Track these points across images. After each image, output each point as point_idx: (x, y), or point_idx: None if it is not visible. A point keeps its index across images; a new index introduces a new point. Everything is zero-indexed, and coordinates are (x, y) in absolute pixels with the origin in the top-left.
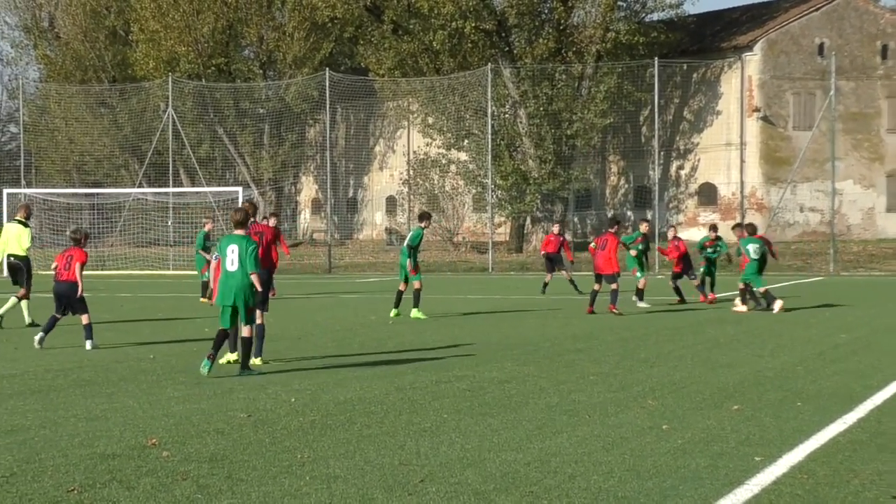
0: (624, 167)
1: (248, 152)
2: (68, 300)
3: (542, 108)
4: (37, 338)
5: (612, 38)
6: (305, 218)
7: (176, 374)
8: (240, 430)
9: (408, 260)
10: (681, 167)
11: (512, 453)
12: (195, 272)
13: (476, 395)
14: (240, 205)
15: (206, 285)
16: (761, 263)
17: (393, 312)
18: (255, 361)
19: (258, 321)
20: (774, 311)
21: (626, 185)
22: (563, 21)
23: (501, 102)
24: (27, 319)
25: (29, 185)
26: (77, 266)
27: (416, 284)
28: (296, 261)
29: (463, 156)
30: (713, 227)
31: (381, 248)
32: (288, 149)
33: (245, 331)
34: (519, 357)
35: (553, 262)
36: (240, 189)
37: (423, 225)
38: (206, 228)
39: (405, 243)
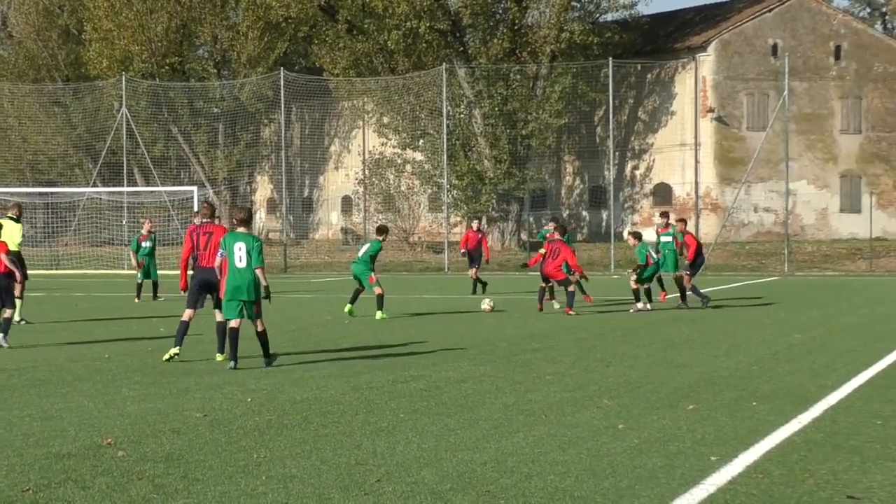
0: (579, 167)
1: (202, 152)
2: None
3: (496, 108)
4: None
5: (567, 39)
6: (261, 217)
7: (131, 373)
8: (196, 429)
9: (368, 271)
10: (636, 167)
11: (468, 453)
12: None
13: (433, 395)
14: (196, 205)
15: (140, 286)
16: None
17: (347, 308)
18: (218, 357)
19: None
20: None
21: (582, 185)
22: (517, 21)
23: (456, 102)
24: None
25: None
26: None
27: (378, 290)
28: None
29: (418, 156)
30: (664, 214)
31: (336, 247)
32: (243, 148)
33: (258, 325)
34: (475, 357)
35: (472, 259)
36: (195, 188)
37: (381, 238)
38: (145, 229)
39: (361, 254)
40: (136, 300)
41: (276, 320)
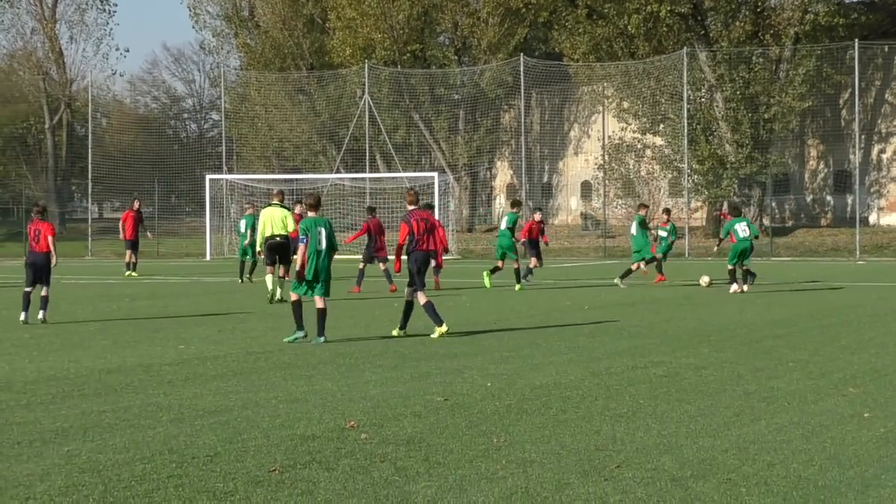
0: (823, 151)
1: (443, 138)
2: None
3: (738, 92)
4: (22, 316)
5: (811, 21)
6: (500, 203)
7: (373, 357)
8: (437, 413)
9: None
10: (882, 151)
11: (709, 440)
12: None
13: (672, 381)
14: (437, 190)
15: (243, 266)
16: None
17: (517, 287)
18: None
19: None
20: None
21: (826, 170)
22: (760, 3)
23: (697, 86)
24: (277, 295)
25: (230, 171)
26: (49, 238)
27: (515, 264)
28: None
29: (658, 140)
30: (666, 211)
31: (576, 233)
32: (483, 134)
33: (321, 302)
34: (716, 343)
35: (534, 248)
36: (435, 174)
37: (515, 210)
38: (249, 213)
39: (504, 227)
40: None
41: (515, 305)
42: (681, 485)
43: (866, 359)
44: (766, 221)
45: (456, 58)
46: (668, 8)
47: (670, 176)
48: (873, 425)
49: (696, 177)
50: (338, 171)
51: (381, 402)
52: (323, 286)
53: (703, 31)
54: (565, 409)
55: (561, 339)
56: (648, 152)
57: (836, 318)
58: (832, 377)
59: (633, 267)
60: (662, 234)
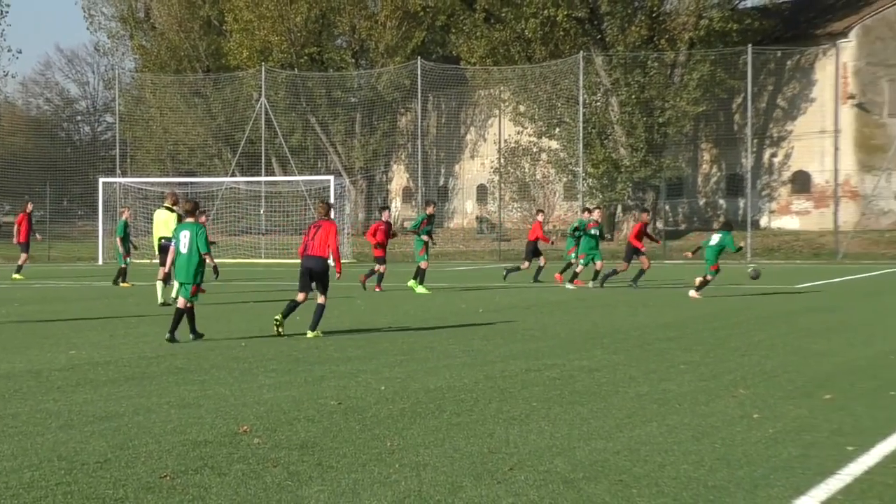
0: (716, 155)
1: (339, 141)
2: None
3: (633, 96)
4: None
5: (705, 26)
6: (397, 206)
7: (267, 361)
8: (330, 417)
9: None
10: (774, 155)
11: (601, 442)
12: (284, 259)
13: (566, 384)
14: (332, 194)
15: (122, 271)
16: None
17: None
18: (316, 333)
19: (321, 301)
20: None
21: (719, 174)
22: (655, 8)
23: (593, 90)
24: (160, 299)
25: (124, 174)
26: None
27: (423, 265)
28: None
29: (554, 144)
30: (588, 210)
31: (471, 236)
32: (379, 137)
33: (182, 302)
34: (608, 346)
35: (538, 251)
36: (331, 178)
37: (428, 211)
38: (125, 217)
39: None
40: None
41: (409, 308)
42: (573, 487)
43: (756, 361)
44: (659, 225)
45: (353, 61)
46: (565, 12)
47: (565, 179)
48: (762, 426)
49: (590, 180)
50: (233, 175)
51: (274, 407)
52: (185, 289)
53: (599, 36)
54: (459, 412)
55: (455, 342)
56: (544, 156)
57: (726, 320)
58: (723, 379)
59: (598, 266)
60: (595, 233)
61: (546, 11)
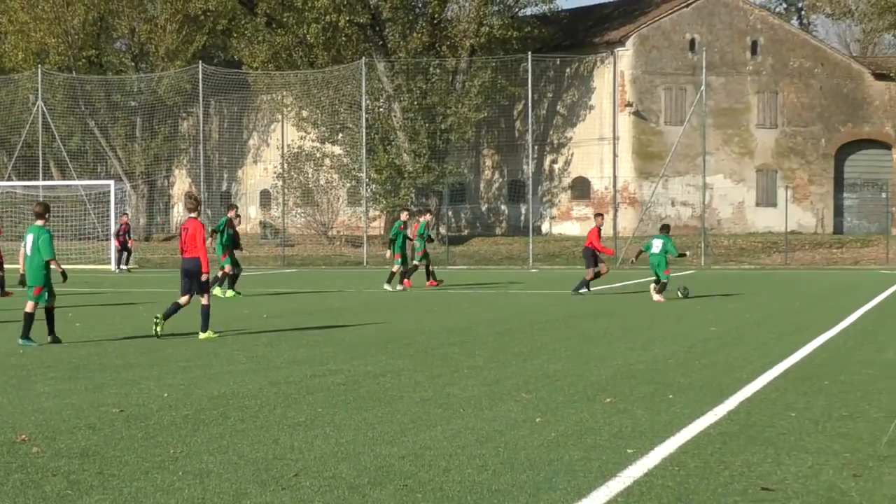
0: (498, 161)
1: (119, 145)
2: None
3: (416, 102)
4: None
5: (486, 33)
6: (178, 212)
7: (45, 368)
8: (112, 425)
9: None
10: (554, 161)
11: (386, 447)
12: (66, 266)
13: (351, 389)
14: (112, 199)
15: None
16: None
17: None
18: (208, 335)
19: (204, 302)
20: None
21: (501, 179)
22: (437, 15)
23: (376, 96)
24: None
25: None
26: None
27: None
28: (171, 255)
29: (337, 149)
30: (429, 212)
31: (255, 241)
32: (161, 142)
33: (30, 306)
34: (394, 351)
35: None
36: (112, 182)
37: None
38: None
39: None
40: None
41: (193, 314)
42: (358, 492)
43: (539, 365)
44: (442, 230)
45: (133, 64)
46: (347, 18)
47: (349, 185)
48: (545, 430)
49: (374, 186)
50: (9, 179)
51: (53, 415)
52: (29, 290)
53: (381, 42)
54: (243, 418)
55: (240, 348)
56: (327, 161)
57: (510, 325)
58: (506, 383)
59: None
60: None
61: (328, 17)
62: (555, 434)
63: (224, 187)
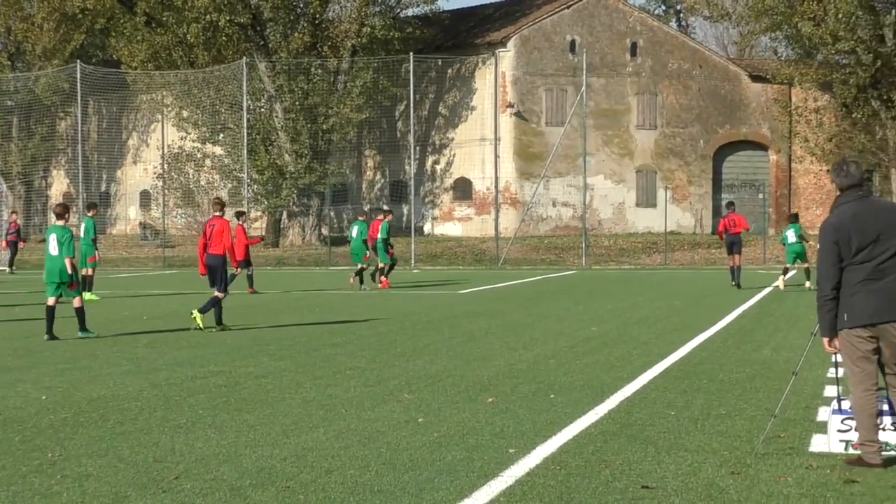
0: (380, 162)
1: None
2: None
3: (297, 103)
4: None
5: (368, 33)
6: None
7: None
8: None
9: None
10: (436, 162)
11: (268, 448)
12: None
13: (232, 391)
14: None
15: None
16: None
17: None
18: (201, 318)
19: (217, 294)
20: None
21: (383, 180)
22: (318, 15)
23: (257, 96)
24: None
25: None
26: None
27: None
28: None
29: (218, 150)
30: (389, 212)
31: (134, 242)
32: (38, 142)
33: (75, 302)
34: (275, 352)
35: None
36: None
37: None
38: None
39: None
40: None
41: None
42: (240, 494)
43: (421, 365)
44: (324, 231)
45: (9, 63)
46: (228, 18)
47: (230, 185)
48: (427, 430)
49: (255, 186)
50: None
51: None
52: (65, 288)
53: (262, 42)
54: (123, 421)
55: (119, 350)
56: (209, 161)
57: (392, 325)
58: (388, 384)
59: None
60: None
61: (208, 16)
62: (437, 434)
63: (103, 188)
